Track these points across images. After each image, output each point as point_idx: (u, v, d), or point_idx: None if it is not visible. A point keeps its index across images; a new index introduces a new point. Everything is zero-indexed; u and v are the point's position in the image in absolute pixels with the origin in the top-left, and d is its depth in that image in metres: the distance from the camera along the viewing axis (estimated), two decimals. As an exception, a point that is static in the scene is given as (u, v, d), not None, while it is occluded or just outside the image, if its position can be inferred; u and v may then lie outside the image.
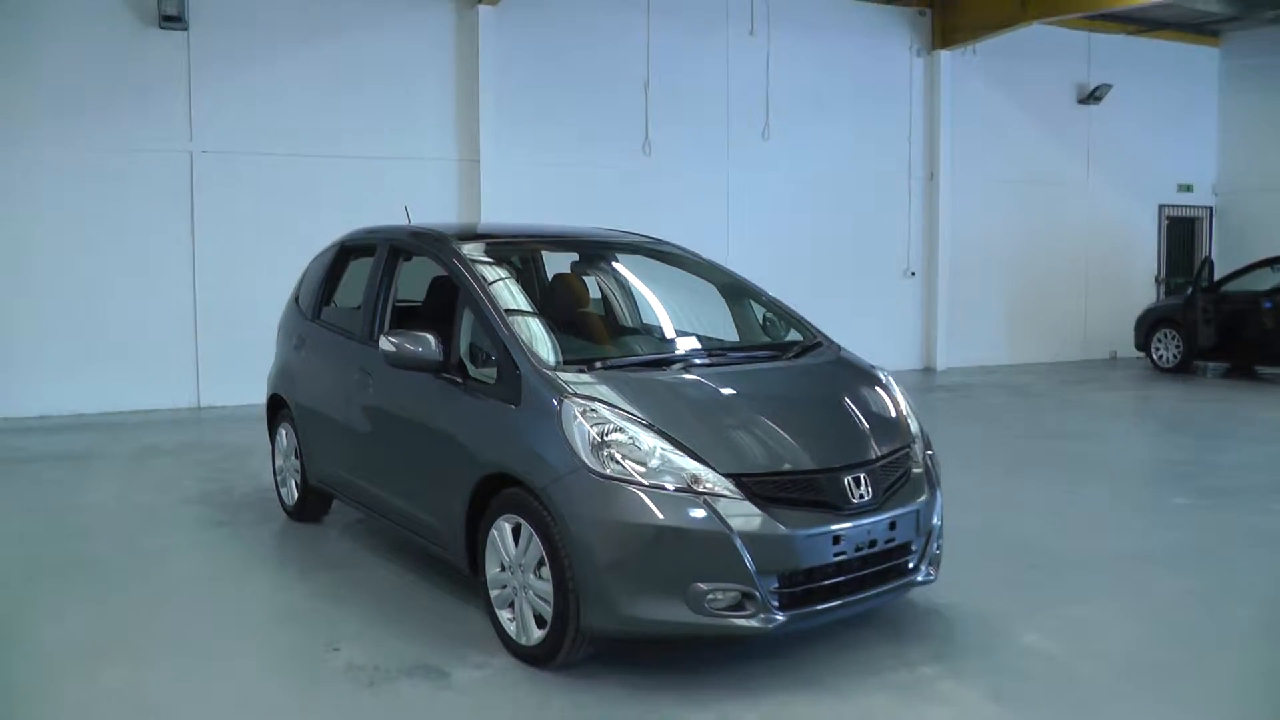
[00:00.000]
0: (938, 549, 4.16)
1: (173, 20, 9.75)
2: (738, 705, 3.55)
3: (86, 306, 9.64)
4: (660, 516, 3.50)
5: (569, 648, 3.68)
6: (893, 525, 3.82)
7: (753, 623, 3.53)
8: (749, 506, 3.55)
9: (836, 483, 3.72)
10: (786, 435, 3.82)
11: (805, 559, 3.58)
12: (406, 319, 5.09)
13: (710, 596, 3.50)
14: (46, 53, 9.47)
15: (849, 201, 13.00)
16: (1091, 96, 14.10)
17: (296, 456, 5.77)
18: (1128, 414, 10.42)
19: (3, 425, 9.04)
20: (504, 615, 3.96)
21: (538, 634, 3.78)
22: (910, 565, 3.99)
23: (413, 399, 4.53)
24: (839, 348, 4.75)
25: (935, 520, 4.09)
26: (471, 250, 4.66)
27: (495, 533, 3.95)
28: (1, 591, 4.85)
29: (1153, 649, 4.14)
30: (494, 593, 4.01)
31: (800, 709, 3.55)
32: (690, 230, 11.86)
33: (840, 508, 3.69)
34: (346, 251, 5.77)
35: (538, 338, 4.14)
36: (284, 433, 5.94)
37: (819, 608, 3.67)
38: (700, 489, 3.54)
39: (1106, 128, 14.46)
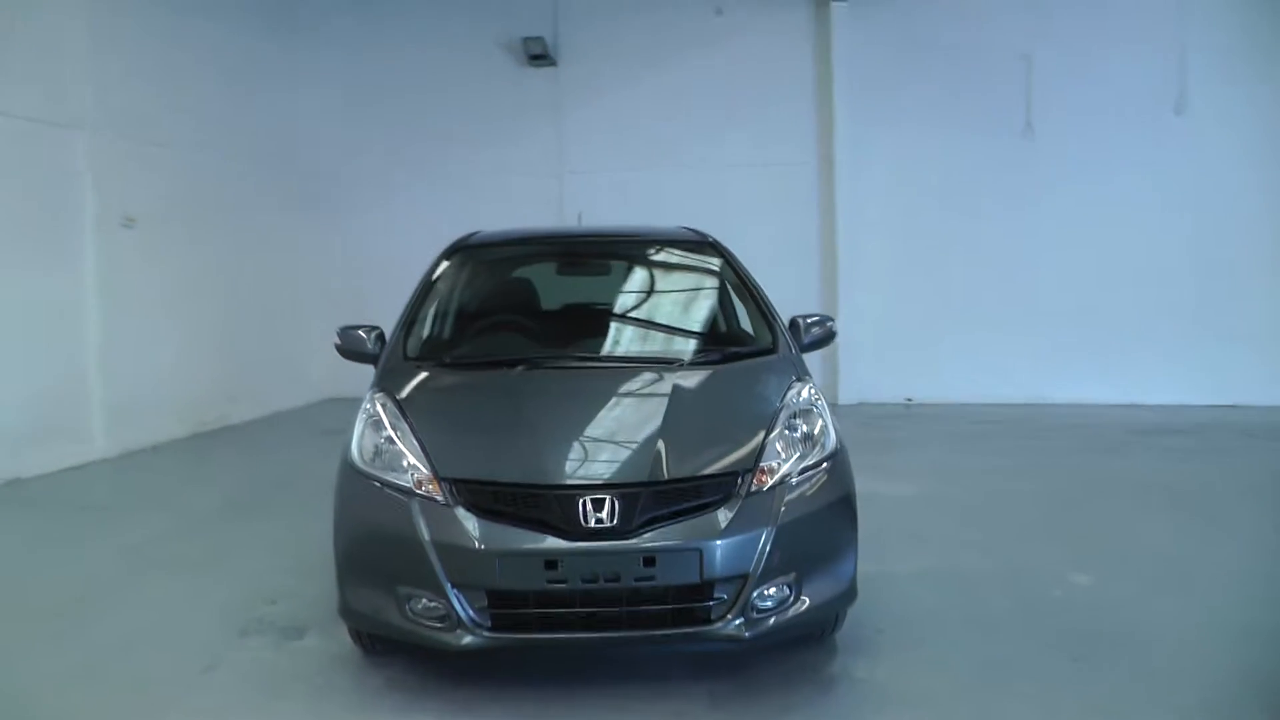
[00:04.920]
0: (768, 603, 3.43)
1: (540, 59, 11.11)
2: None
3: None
4: (371, 514, 3.50)
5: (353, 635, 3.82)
6: (649, 561, 3.29)
7: (446, 637, 3.34)
8: (458, 515, 3.36)
9: (568, 503, 3.33)
10: (545, 446, 3.51)
11: (505, 581, 3.29)
12: None
13: (412, 603, 3.40)
14: (441, 93, 11.43)
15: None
16: None
17: None
18: None
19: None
20: None
21: None
22: (713, 616, 3.38)
23: None
24: (792, 358, 4.21)
25: (752, 566, 3.37)
26: (453, 252, 4.91)
27: None
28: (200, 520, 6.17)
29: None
30: None
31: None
32: (1072, 223, 10.38)
33: (566, 531, 3.31)
34: None
35: (419, 333, 4.32)
36: None
37: (533, 636, 3.34)
38: (421, 491, 3.46)
39: None
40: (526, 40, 10.98)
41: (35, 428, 7.37)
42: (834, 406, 10.46)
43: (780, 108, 11.04)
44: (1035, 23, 10.39)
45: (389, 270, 11.12)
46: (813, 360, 10.14)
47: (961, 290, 10.72)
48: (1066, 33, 10.37)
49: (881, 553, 5.11)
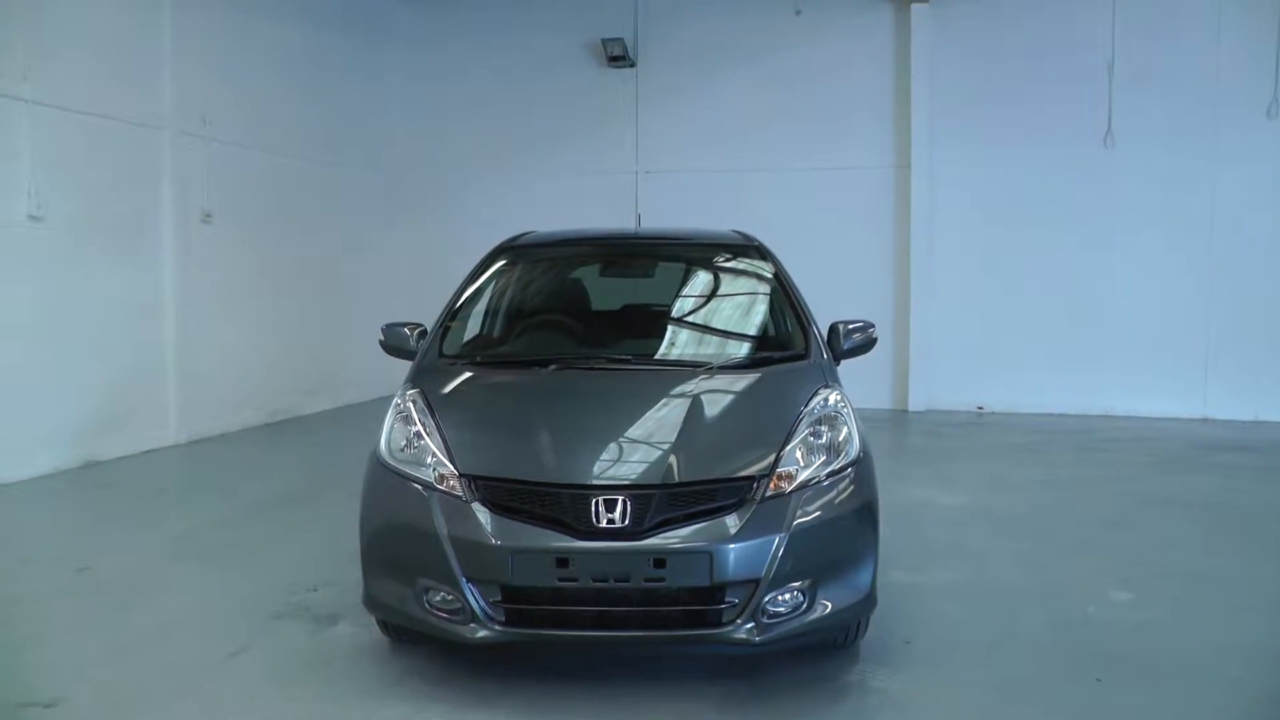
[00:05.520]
0: (780, 608, 3.42)
1: (619, 60, 11.18)
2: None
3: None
4: (394, 507, 3.59)
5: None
6: (660, 563, 3.32)
7: (460, 630, 3.41)
8: (474, 511, 3.43)
9: (581, 502, 3.37)
10: (562, 445, 3.55)
11: (517, 576, 3.34)
12: None
13: (429, 595, 3.48)
14: (520, 93, 11.63)
15: None
16: None
17: None
18: None
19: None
20: None
21: None
22: (724, 619, 3.38)
23: None
24: (822, 364, 4.18)
25: (764, 571, 3.37)
26: (498, 252, 5.00)
27: None
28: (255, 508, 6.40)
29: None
30: None
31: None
32: (1161, 235, 10.06)
33: (578, 530, 3.35)
34: None
35: (457, 331, 4.41)
36: None
37: (544, 632, 3.39)
38: (441, 487, 3.53)
39: None
40: (606, 41, 11.07)
41: (114, 413, 7.71)
42: (903, 414, 10.45)
43: (857, 111, 10.92)
44: (1120, 26, 10.08)
45: (467, 267, 11.30)
46: (882, 366, 10.26)
47: (1035, 299, 10.46)
48: (1152, 36, 10.04)
49: (923, 562, 5.06)
